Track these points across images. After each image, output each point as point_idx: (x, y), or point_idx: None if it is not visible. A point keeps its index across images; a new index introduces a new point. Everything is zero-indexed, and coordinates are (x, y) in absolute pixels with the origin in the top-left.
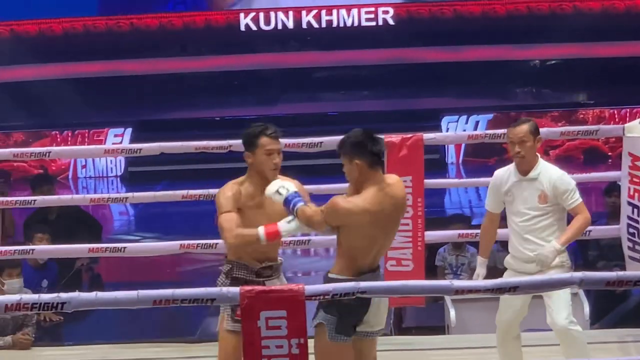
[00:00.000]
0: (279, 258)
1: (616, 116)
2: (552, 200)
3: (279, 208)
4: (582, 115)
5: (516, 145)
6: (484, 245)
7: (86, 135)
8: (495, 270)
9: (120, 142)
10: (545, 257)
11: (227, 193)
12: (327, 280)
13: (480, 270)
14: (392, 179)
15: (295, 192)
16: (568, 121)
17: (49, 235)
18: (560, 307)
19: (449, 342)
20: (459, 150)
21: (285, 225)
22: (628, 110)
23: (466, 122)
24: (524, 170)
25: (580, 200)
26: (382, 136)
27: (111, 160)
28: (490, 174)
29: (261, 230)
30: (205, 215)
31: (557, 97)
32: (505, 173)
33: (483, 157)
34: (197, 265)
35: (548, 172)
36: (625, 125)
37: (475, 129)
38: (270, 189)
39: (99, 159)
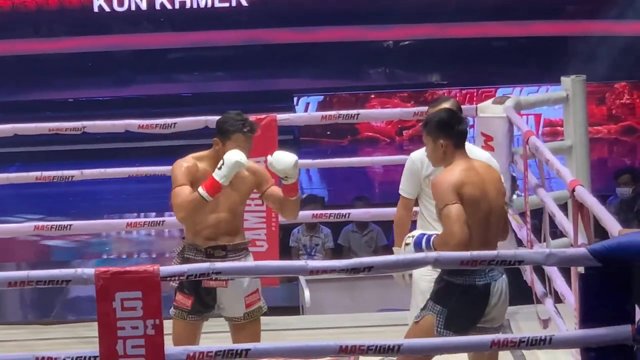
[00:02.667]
0: (242, 238)
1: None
2: None
3: (231, 190)
4: (430, 96)
5: None
6: (401, 235)
7: None
8: (349, 251)
9: None
10: None
11: (182, 165)
12: (446, 282)
13: None
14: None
15: (419, 236)
16: (417, 102)
17: None
18: None
19: (304, 322)
20: None
21: (218, 172)
22: (474, 90)
23: (296, 104)
24: None
25: None
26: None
27: None
28: (343, 155)
29: (200, 189)
30: (60, 196)
31: (410, 78)
32: (425, 156)
33: (330, 138)
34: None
35: (475, 153)
36: (478, 105)
37: (306, 110)
38: (399, 250)
39: None
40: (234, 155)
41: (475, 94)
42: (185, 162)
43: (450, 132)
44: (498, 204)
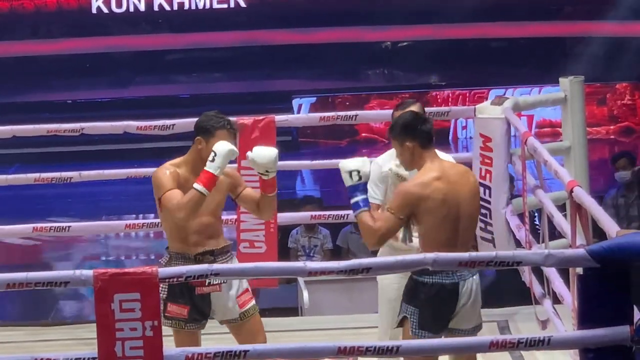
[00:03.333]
0: (225, 241)
1: (470, 98)
2: None
3: (212, 193)
4: (432, 98)
5: None
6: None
7: None
8: (348, 252)
9: None
10: None
11: (164, 172)
12: (414, 282)
13: None
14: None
15: (366, 184)
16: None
17: None
18: None
19: (303, 323)
20: None
21: (211, 164)
22: (466, 91)
23: None
24: None
25: None
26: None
27: None
28: (342, 156)
29: (197, 185)
30: (59, 198)
31: (409, 79)
32: (390, 161)
33: (329, 139)
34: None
35: (441, 157)
36: (477, 106)
37: (299, 112)
38: (347, 166)
39: None
40: (225, 145)
41: (467, 95)
42: (166, 170)
43: (414, 133)
44: (471, 208)
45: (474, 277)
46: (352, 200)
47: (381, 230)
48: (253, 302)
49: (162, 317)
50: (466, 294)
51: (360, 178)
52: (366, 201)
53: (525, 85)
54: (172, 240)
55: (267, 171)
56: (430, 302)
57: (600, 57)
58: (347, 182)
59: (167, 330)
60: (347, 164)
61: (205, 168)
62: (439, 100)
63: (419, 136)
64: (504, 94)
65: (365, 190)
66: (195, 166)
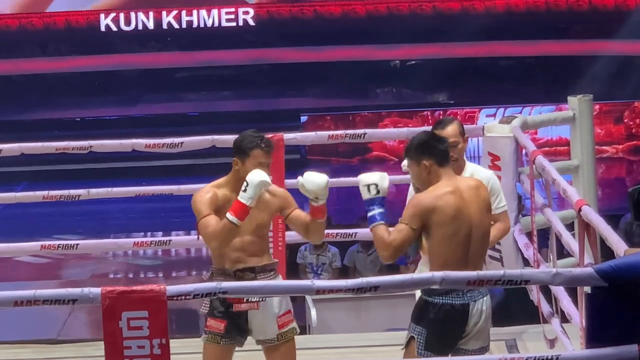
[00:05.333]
0: (270, 259)
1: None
2: None
3: (256, 213)
4: (424, 117)
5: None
6: None
7: None
8: (355, 271)
9: None
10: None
11: (203, 197)
12: (424, 302)
13: None
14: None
15: (384, 198)
16: (427, 122)
17: None
18: None
19: (310, 341)
20: None
21: (243, 195)
22: (457, 110)
23: None
24: (456, 174)
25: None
26: None
27: None
28: (353, 174)
29: (229, 215)
30: (66, 216)
31: (417, 97)
32: None
33: (340, 157)
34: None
35: (479, 172)
36: (485, 124)
37: None
38: (366, 179)
39: None
40: (257, 175)
41: (458, 114)
42: (205, 193)
43: (431, 151)
44: (483, 227)
45: (485, 297)
46: (369, 214)
47: (395, 242)
48: (294, 324)
49: (203, 332)
50: (476, 315)
51: (377, 192)
52: (382, 215)
53: (515, 105)
54: (215, 257)
55: (316, 197)
56: (439, 323)
57: (615, 75)
58: (365, 195)
59: (174, 348)
60: (366, 178)
61: (238, 198)
62: (430, 121)
63: (435, 154)
64: (495, 114)
65: (382, 205)
66: (236, 186)
